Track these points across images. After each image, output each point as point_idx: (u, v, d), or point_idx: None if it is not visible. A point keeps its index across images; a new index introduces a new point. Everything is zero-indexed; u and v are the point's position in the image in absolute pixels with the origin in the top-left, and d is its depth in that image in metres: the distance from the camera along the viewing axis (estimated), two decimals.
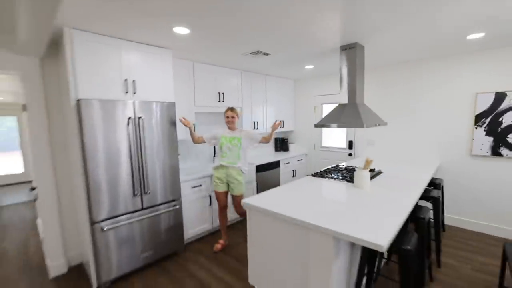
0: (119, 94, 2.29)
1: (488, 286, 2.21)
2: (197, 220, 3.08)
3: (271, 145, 5.11)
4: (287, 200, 2.00)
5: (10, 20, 1.98)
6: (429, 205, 3.59)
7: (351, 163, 3.55)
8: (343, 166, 3.25)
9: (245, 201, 2.01)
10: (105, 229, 2.21)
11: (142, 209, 2.46)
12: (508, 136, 3.04)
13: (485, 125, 3.18)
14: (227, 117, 2.83)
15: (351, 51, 2.70)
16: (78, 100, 2.05)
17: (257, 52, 2.91)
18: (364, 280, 1.99)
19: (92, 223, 2.17)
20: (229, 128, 2.88)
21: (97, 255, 2.21)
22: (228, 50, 2.81)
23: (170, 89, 2.69)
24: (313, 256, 1.62)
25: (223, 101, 3.58)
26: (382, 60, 3.54)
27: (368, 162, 2.37)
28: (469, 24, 2.20)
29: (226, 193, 2.91)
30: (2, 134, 6.12)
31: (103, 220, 2.21)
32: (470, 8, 1.87)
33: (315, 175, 2.82)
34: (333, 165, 3.36)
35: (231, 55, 3.01)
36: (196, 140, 2.82)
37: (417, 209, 2.15)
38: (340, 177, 2.67)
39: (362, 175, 2.31)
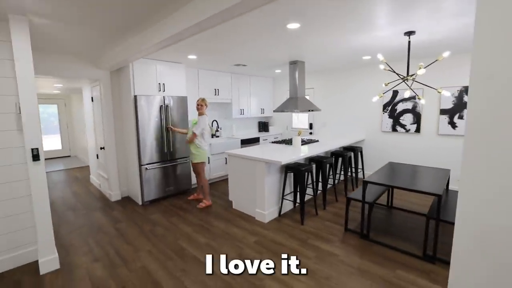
0: (155, 91, 3.96)
1: None
2: None
3: (255, 126, 6.80)
4: (249, 151, 3.70)
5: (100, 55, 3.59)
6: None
7: (307, 137, 5.26)
8: (288, 138, 4.93)
9: (228, 152, 3.72)
10: (147, 168, 3.91)
11: (168, 160, 4.17)
12: (400, 118, 4.73)
13: (388, 111, 4.87)
14: (199, 104, 3.73)
15: (295, 65, 4.35)
16: (135, 96, 3.73)
17: (238, 64, 4.56)
18: (293, 196, 3.73)
19: (140, 165, 3.88)
20: (198, 113, 3.78)
21: (142, 185, 3.92)
22: (220, 63, 4.45)
23: (184, 88, 4.36)
24: (257, 174, 3.34)
25: (218, 94, 5.25)
26: (322, 68, 5.19)
27: (299, 132, 4.08)
28: (360, 52, 3.82)
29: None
30: (43, 119, 7.82)
31: (146, 164, 3.91)
32: (356, 45, 3.50)
33: (273, 142, 4.53)
34: (288, 138, 5.06)
35: (223, 65, 4.66)
36: (185, 133, 4.00)
37: (322, 158, 3.85)
38: (285, 143, 4.38)
39: (296, 139, 4.03)
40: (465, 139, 0.96)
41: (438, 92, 2.81)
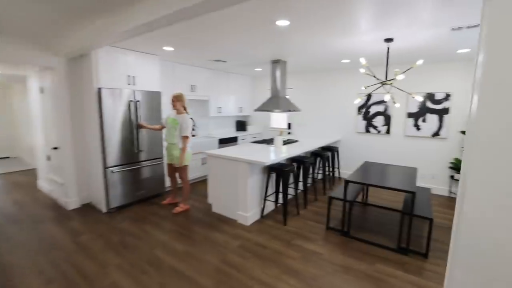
0: (123, 85, 3.59)
1: None
2: None
3: (233, 125, 6.64)
4: (230, 151, 3.56)
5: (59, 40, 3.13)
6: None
7: (286, 137, 5.25)
8: (269, 138, 4.92)
9: (207, 152, 3.52)
10: (113, 171, 3.54)
11: (139, 161, 3.82)
12: (372, 120, 4.97)
13: (362, 113, 5.08)
14: (172, 101, 3.47)
15: (277, 64, 4.30)
16: (99, 89, 3.34)
17: (218, 60, 4.37)
18: (275, 197, 3.67)
19: (105, 167, 3.48)
20: (177, 111, 3.51)
21: (107, 189, 3.53)
22: (199, 57, 4.20)
23: (157, 82, 4.04)
24: (240, 176, 3.21)
25: (195, 91, 4.98)
26: (302, 68, 5.24)
27: (281, 132, 4.05)
28: (340, 55, 3.89)
29: (170, 165, 3.69)
30: None
31: (112, 166, 3.52)
32: (337, 47, 3.54)
33: (254, 142, 4.44)
34: (269, 138, 5.01)
35: (201, 60, 4.42)
36: (157, 129, 3.75)
37: (304, 158, 3.87)
38: (266, 143, 4.32)
39: (278, 139, 3.98)
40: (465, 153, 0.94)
41: (412, 97, 2.96)
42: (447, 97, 4.08)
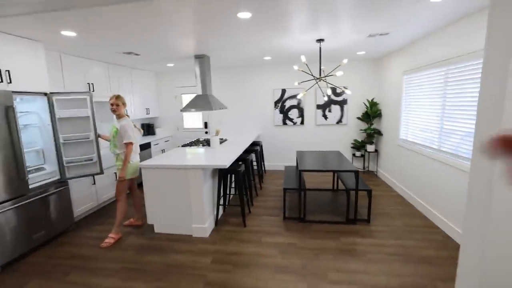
0: None
1: (281, 191, 4.40)
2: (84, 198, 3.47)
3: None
4: (169, 159, 3.09)
5: None
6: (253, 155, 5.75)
7: (207, 137, 5.01)
8: (202, 139, 4.64)
9: (141, 163, 2.91)
10: None
11: (29, 191, 2.68)
12: (288, 113, 5.54)
13: (278, 107, 5.56)
14: (111, 104, 2.90)
15: (202, 59, 4.01)
16: None
17: (130, 53, 3.59)
18: (222, 200, 3.49)
19: None
20: (116, 115, 2.97)
21: None
22: (106, 48, 3.31)
23: (45, 80, 2.92)
24: (192, 185, 2.87)
25: (94, 91, 3.90)
26: (224, 65, 5.14)
27: (217, 131, 3.86)
28: (262, 52, 4.06)
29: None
30: None
31: None
32: (262, 45, 3.64)
33: (184, 145, 4.02)
34: (195, 139, 4.67)
35: (106, 52, 3.50)
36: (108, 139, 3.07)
37: (245, 156, 3.89)
38: (200, 145, 4.02)
39: (214, 139, 3.77)
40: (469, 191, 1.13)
41: (344, 91, 3.53)
42: (345, 90, 5.11)
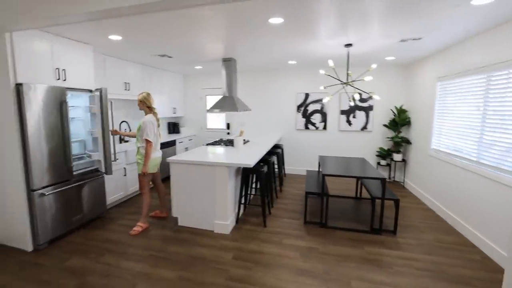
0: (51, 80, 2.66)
1: (301, 195, 4.39)
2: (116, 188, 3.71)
3: (165, 128, 5.96)
4: (197, 156, 3.22)
5: None
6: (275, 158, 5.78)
7: (229, 137, 5.14)
8: (225, 139, 4.77)
9: (169, 159, 3.06)
10: (43, 194, 2.60)
11: (73, 177, 2.93)
12: (311, 118, 5.53)
13: (301, 111, 5.57)
14: (138, 104, 3.17)
15: (229, 62, 4.15)
16: (18, 84, 2.38)
17: (164, 55, 3.82)
18: (244, 199, 3.57)
19: (30, 190, 2.53)
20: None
21: (35, 220, 2.58)
22: (144, 50, 3.56)
23: (92, 78, 3.20)
24: (217, 182, 2.97)
25: (129, 90, 4.18)
26: (248, 68, 5.27)
27: (241, 132, 3.95)
28: (288, 56, 4.12)
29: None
30: None
31: (40, 188, 2.58)
32: (288, 50, 3.70)
33: (208, 144, 4.16)
34: (218, 139, 4.81)
35: (143, 54, 3.77)
36: (135, 135, 3.17)
37: (267, 158, 3.94)
38: (224, 144, 4.14)
39: (238, 140, 3.87)
40: None
41: (372, 96, 3.47)
42: (372, 95, 5.02)
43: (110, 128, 3.29)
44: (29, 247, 2.63)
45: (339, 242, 2.81)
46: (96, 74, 3.48)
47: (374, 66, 3.19)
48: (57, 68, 2.74)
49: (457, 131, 3.23)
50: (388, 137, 4.97)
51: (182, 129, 6.26)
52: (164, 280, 2.19)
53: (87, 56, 3.12)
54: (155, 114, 3.18)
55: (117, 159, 3.71)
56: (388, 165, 4.98)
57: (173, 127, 6.06)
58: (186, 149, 5.83)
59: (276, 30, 2.67)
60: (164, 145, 4.88)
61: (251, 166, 2.86)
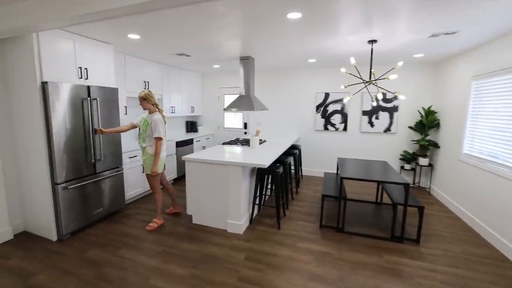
0: (74, 78, 2.78)
1: (318, 197, 4.26)
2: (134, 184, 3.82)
3: (183, 127, 6.07)
4: (211, 155, 3.22)
5: None
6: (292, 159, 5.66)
7: (246, 137, 5.10)
8: (242, 139, 4.74)
9: (185, 157, 3.09)
10: (67, 187, 2.73)
11: (95, 173, 3.05)
12: (331, 118, 5.35)
13: (320, 112, 5.40)
14: (140, 103, 3.03)
15: (247, 60, 4.12)
16: (44, 83, 2.50)
17: (182, 54, 3.87)
18: (258, 200, 3.52)
19: (54, 184, 2.66)
20: (148, 111, 3.06)
21: (59, 211, 2.71)
22: (162, 49, 3.62)
23: (112, 77, 3.30)
24: (231, 181, 2.95)
25: (148, 88, 4.29)
26: (266, 67, 5.21)
27: (257, 132, 3.90)
28: (308, 54, 4.01)
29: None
30: None
31: (64, 182, 2.72)
32: (308, 47, 3.60)
33: (224, 143, 4.16)
34: (234, 139, 4.79)
35: (161, 53, 3.83)
36: (125, 130, 3.13)
37: (284, 159, 3.86)
38: (240, 144, 4.11)
39: (254, 139, 3.82)
40: None
41: (396, 96, 3.27)
42: (397, 95, 4.75)
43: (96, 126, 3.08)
44: (54, 237, 2.77)
45: (356, 249, 2.67)
46: (116, 73, 3.60)
47: (400, 63, 3.00)
48: (79, 67, 2.86)
49: (493, 135, 2.95)
50: (413, 140, 4.67)
51: (199, 128, 6.33)
52: (176, 276, 2.20)
53: (108, 55, 3.23)
54: (161, 111, 3.11)
55: (135, 156, 3.82)
56: (413, 169, 4.68)
57: (191, 126, 6.15)
58: (203, 148, 5.90)
59: (295, 26, 2.59)
60: (181, 144, 4.97)
61: (266, 166, 2.80)
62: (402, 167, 4.79)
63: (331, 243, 2.79)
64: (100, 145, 3.10)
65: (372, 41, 3.08)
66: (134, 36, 2.94)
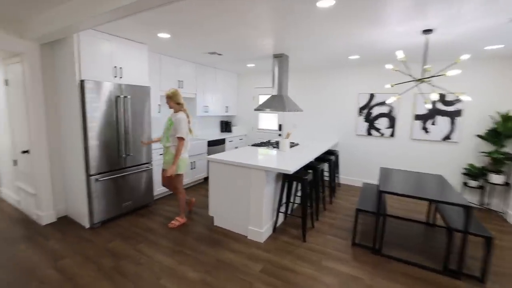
0: (109, 77, 2.95)
1: (354, 210, 3.80)
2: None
3: (217, 126, 6.11)
4: (235, 156, 3.08)
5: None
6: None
7: (278, 139, 4.86)
8: (273, 141, 4.52)
9: (208, 157, 3.01)
10: (98, 179, 2.89)
11: (125, 167, 3.19)
12: (375, 122, 4.77)
13: (364, 115, 4.86)
14: (166, 101, 3.02)
15: (280, 58, 3.90)
16: (82, 81, 2.69)
17: (213, 52, 3.85)
18: (284, 208, 3.26)
19: (88, 175, 2.84)
20: (173, 108, 3.03)
21: (91, 201, 2.88)
22: (194, 48, 3.65)
23: (146, 75, 3.43)
24: (253, 185, 2.76)
25: (183, 87, 4.40)
26: (302, 66, 4.90)
27: (288, 134, 3.64)
28: (348, 50, 3.60)
29: (164, 171, 3.10)
30: None
31: (97, 174, 2.89)
32: (348, 41, 3.22)
33: (254, 145, 3.99)
34: (266, 140, 4.59)
35: (194, 52, 3.86)
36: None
37: (316, 165, 3.51)
38: (270, 146, 3.90)
39: (284, 142, 3.57)
40: None
41: (459, 98, 2.71)
42: (460, 96, 3.97)
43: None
44: (87, 224, 2.96)
45: (394, 277, 2.22)
46: (151, 72, 3.74)
47: (465, 57, 2.43)
48: (115, 66, 3.01)
49: None
50: (483, 152, 3.84)
51: (233, 128, 6.30)
52: (187, 280, 2.10)
53: (142, 55, 3.35)
54: (185, 111, 3.03)
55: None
56: (481, 187, 3.83)
57: (225, 126, 6.16)
58: (236, 148, 5.84)
59: (328, 16, 2.28)
60: (213, 143, 4.97)
61: (290, 172, 2.54)
62: (465, 184, 3.96)
63: (364, 266, 2.38)
64: (131, 141, 3.23)
65: (427, 31, 2.58)
66: (164, 35, 2.98)
